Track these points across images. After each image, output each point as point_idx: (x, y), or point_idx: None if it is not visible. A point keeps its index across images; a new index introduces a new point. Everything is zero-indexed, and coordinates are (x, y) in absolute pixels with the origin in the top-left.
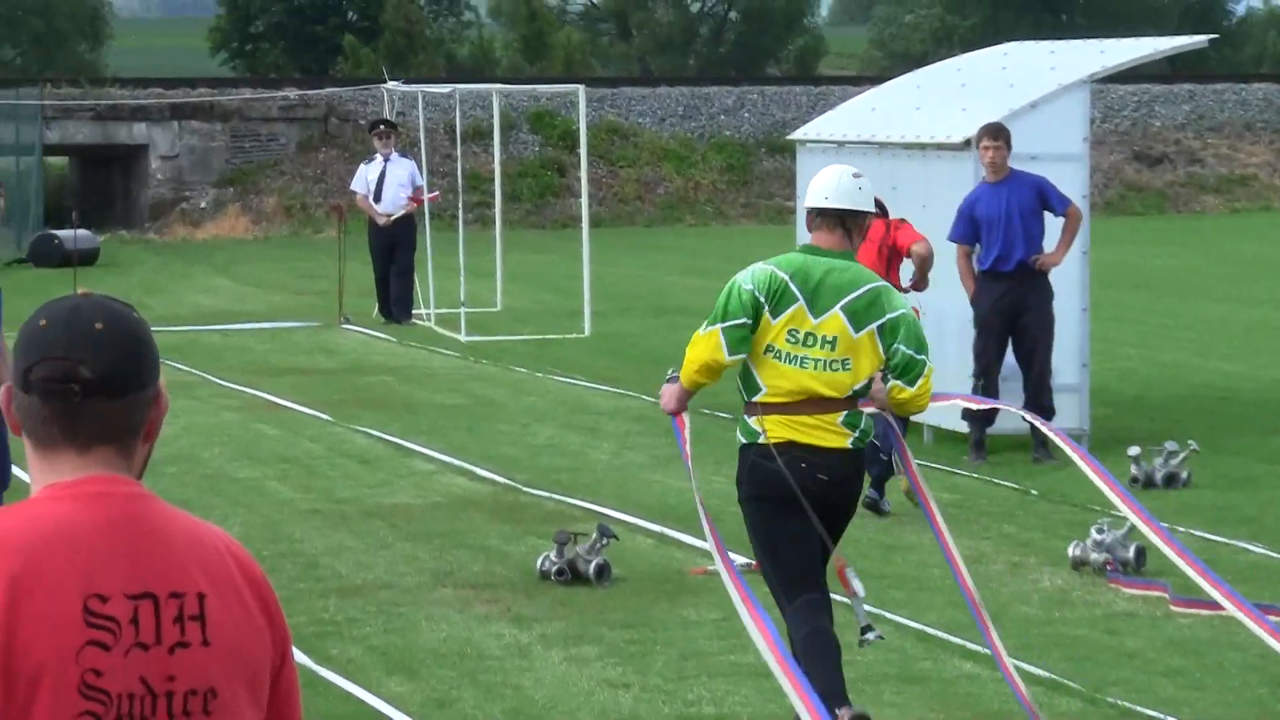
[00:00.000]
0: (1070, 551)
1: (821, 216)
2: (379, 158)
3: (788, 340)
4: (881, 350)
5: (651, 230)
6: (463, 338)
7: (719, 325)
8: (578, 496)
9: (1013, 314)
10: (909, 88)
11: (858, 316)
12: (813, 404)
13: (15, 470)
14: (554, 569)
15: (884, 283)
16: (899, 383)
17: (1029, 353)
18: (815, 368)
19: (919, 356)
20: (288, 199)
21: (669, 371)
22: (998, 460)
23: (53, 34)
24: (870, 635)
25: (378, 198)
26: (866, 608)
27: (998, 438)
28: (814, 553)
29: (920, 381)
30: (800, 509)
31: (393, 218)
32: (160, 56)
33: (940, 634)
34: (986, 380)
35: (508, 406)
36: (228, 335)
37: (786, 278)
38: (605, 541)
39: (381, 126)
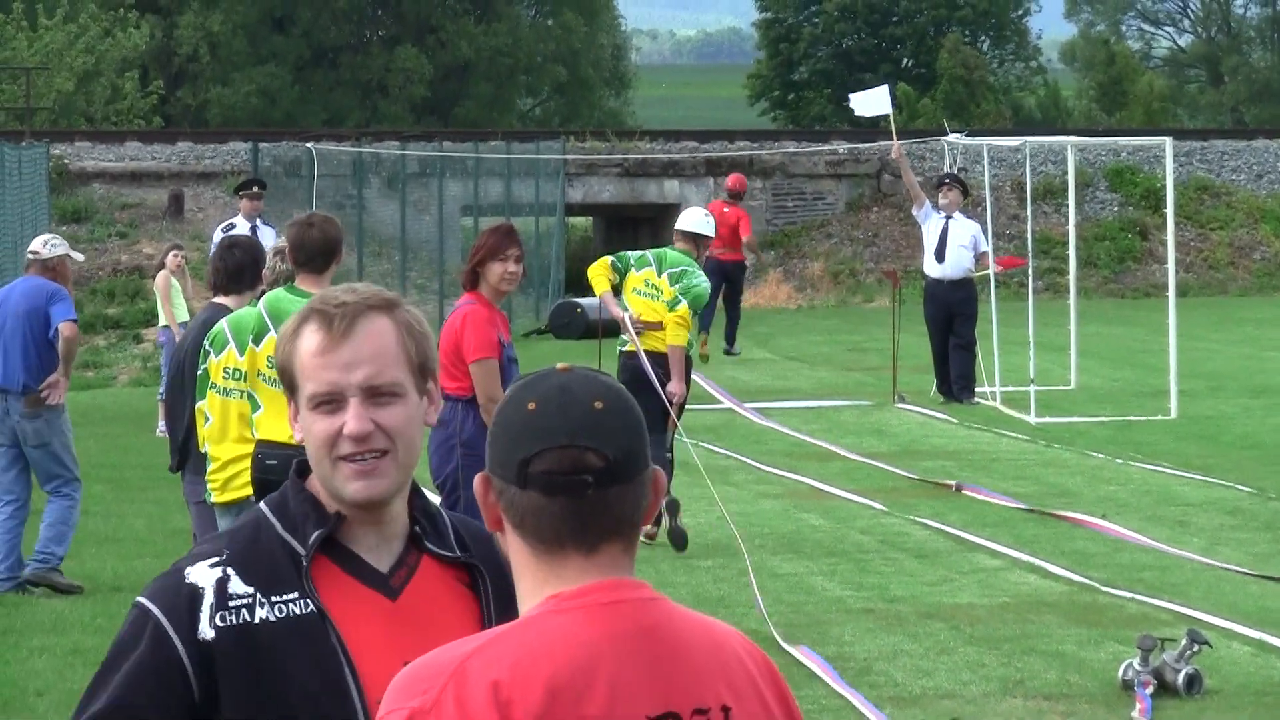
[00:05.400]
0: None
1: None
2: (941, 214)
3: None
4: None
5: (1246, 300)
6: (1032, 419)
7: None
8: (1164, 597)
9: None
10: None
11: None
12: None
13: None
14: (1138, 678)
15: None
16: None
17: None
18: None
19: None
20: (835, 264)
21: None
22: None
23: (576, 83)
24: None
25: (939, 257)
26: None
27: None
28: None
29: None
30: None
31: (950, 280)
32: (692, 107)
33: None
34: None
35: (1083, 496)
36: (768, 414)
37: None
38: (1196, 649)
39: (948, 181)
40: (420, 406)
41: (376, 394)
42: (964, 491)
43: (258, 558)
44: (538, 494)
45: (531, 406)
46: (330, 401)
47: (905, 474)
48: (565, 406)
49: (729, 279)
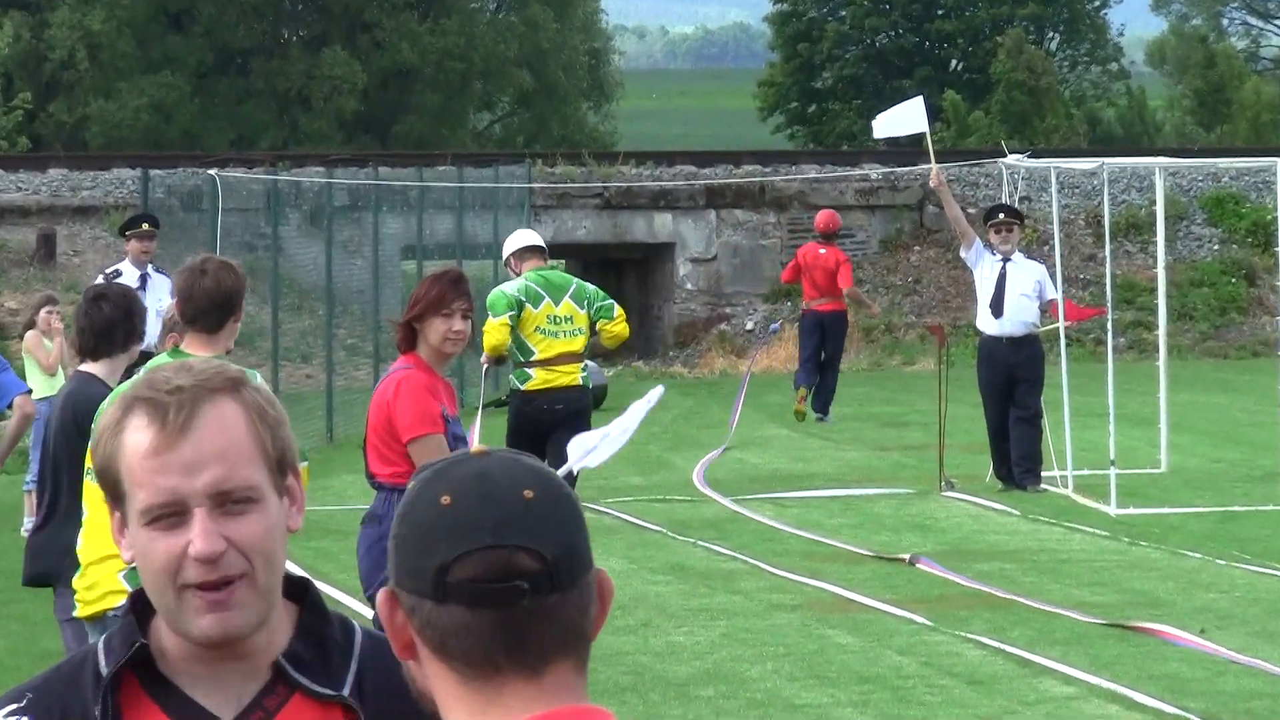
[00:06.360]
0: None
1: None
2: (997, 256)
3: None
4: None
5: None
6: (1112, 510)
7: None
8: None
9: None
10: None
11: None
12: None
13: None
14: None
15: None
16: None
17: None
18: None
19: (607, 302)
20: (867, 317)
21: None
22: None
23: (544, 92)
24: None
25: (996, 310)
26: None
27: None
28: None
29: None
30: None
31: (1012, 338)
32: (690, 122)
33: None
34: None
35: (1176, 605)
36: (784, 506)
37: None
38: None
39: (1001, 215)
40: (282, 510)
41: (228, 501)
42: (919, 565)
43: (66, 704)
44: (459, 608)
45: (445, 501)
46: (171, 514)
47: (856, 549)
48: (487, 498)
49: (826, 333)
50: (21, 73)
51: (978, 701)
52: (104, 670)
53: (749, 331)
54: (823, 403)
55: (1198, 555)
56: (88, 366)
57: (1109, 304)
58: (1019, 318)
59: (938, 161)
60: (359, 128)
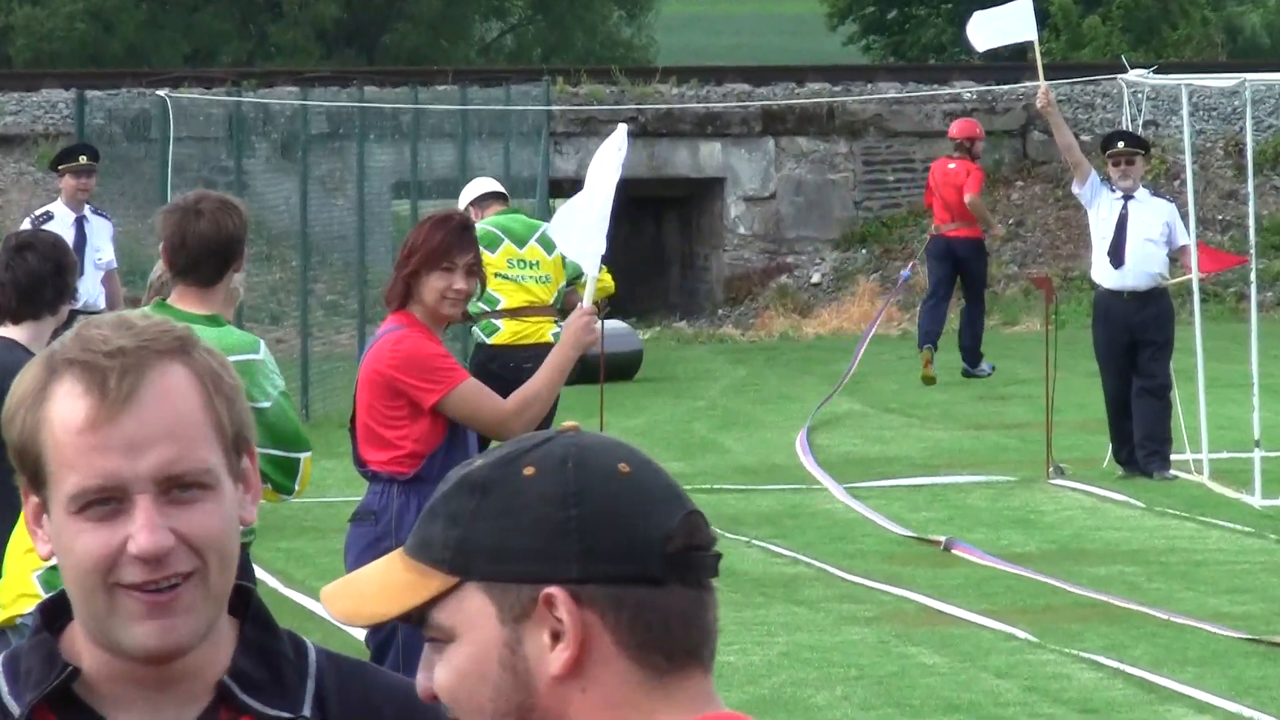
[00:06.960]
0: None
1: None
2: (1116, 193)
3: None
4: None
5: None
6: (1256, 501)
7: None
8: None
9: None
10: None
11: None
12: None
13: None
14: None
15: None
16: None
17: None
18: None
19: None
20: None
21: None
22: None
23: None
24: None
25: (1116, 258)
26: None
27: None
28: None
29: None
30: None
31: (1134, 292)
32: (742, 31)
33: None
34: None
35: None
36: (858, 497)
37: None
38: None
39: (1121, 144)
40: (236, 498)
41: (175, 486)
42: (954, 551)
43: None
44: (679, 585)
45: (625, 469)
46: (106, 501)
47: (895, 529)
48: (651, 464)
49: (960, 265)
50: None
51: None
52: (9, 701)
53: (815, 285)
54: (970, 351)
55: None
56: (8, 330)
57: (1252, 251)
58: (1143, 268)
59: (1046, 78)
60: (340, 40)
